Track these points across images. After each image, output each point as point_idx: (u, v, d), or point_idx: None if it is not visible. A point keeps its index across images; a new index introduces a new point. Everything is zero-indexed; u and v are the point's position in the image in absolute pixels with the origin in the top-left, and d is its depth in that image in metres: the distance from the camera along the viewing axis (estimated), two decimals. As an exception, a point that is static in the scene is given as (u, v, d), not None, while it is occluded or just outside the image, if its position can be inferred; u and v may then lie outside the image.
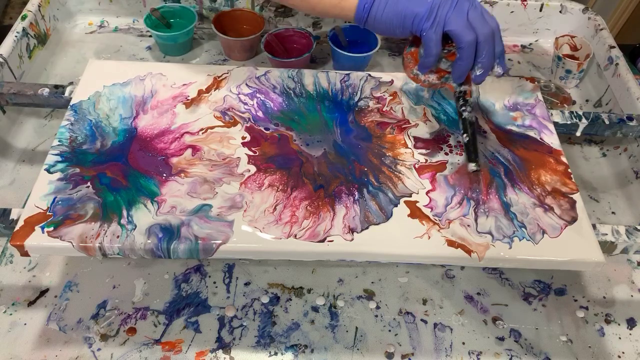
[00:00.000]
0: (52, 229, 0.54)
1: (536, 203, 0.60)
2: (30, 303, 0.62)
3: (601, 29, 0.92)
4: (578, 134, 0.74)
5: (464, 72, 0.59)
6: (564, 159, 0.65)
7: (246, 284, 0.65)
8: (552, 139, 0.68)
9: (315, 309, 0.64)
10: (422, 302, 0.65)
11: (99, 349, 0.59)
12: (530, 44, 0.99)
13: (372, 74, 0.74)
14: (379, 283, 0.66)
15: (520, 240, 0.57)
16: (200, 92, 0.70)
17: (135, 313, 0.62)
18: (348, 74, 0.74)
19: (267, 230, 0.56)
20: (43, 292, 0.63)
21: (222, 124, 0.67)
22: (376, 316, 0.63)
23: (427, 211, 0.59)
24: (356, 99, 0.71)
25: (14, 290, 0.63)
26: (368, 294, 0.65)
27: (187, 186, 0.59)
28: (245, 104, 0.69)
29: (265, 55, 0.87)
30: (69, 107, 0.67)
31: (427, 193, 0.61)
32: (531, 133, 0.68)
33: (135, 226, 0.55)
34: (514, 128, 0.69)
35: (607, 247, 0.61)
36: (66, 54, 0.91)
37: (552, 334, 0.63)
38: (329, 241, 0.56)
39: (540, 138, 0.68)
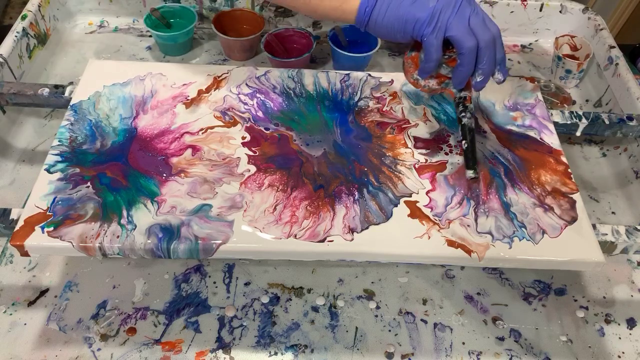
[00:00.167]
0: (52, 229, 0.54)
1: (536, 203, 0.60)
2: (30, 303, 0.62)
3: (601, 29, 0.92)
4: (578, 134, 0.74)
5: (465, 78, 0.59)
6: (564, 159, 0.65)
7: (246, 284, 0.65)
8: (552, 139, 0.68)
9: (315, 309, 0.64)
10: (422, 302, 0.65)
11: (99, 349, 0.59)
12: (530, 44, 0.99)
13: (372, 74, 0.74)
14: (379, 283, 0.66)
15: (520, 240, 0.57)
16: (200, 92, 0.70)
17: (135, 313, 0.62)
18: (348, 74, 0.74)
19: (267, 230, 0.56)
20: (43, 292, 0.63)
21: (222, 124, 0.67)
22: (376, 316, 0.63)
23: (427, 211, 0.59)
24: (356, 99, 0.71)
25: (14, 290, 0.63)
26: (368, 294, 0.65)
27: (187, 186, 0.59)
28: (245, 104, 0.69)
29: (265, 55, 0.87)
30: (69, 107, 0.67)
31: (427, 193, 0.61)
32: (531, 133, 0.68)
33: (135, 226, 0.55)
34: (514, 128, 0.69)
35: (607, 247, 0.61)
36: (66, 54, 0.91)
37: (552, 334, 0.63)
38: (329, 241, 0.56)
39: (540, 138, 0.68)
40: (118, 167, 0.61)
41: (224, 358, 0.59)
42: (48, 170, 0.60)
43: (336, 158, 0.64)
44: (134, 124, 0.66)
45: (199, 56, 0.92)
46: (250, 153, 0.63)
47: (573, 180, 0.63)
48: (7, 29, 0.83)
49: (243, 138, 0.65)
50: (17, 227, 0.55)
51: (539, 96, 0.73)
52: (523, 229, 0.58)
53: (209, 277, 0.65)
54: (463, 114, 0.61)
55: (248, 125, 0.67)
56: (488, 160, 0.65)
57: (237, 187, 0.60)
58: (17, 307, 0.62)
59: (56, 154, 0.61)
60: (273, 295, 0.64)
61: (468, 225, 0.58)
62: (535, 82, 0.75)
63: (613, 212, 0.76)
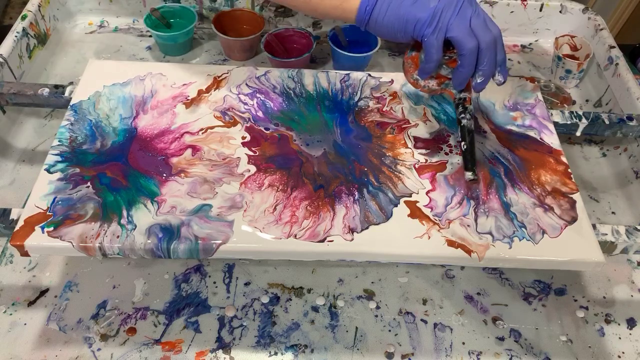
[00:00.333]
0: (52, 229, 0.54)
1: (536, 203, 0.60)
2: (30, 303, 0.62)
3: (601, 29, 0.92)
4: (578, 134, 0.74)
5: (465, 79, 0.58)
6: (564, 159, 0.65)
7: (246, 284, 0.65)
8: (552, 139, 0.68)
9: (315, 309, 0.64)
10: (422, 302, 0.65)
11: (99, 349, 0.59)
12: (530, 44, 0.99)
13: (372, 74, 0.74)
14: (379, 283, 0.66)
15: (520, 240, 0.57)
16: (200, 92, 0.70)
17: (135, 313, 0.62)
18: (348, 74, 0.74)
19: (267, 230, 0.56)
20: (43, 292, 0.63)
21: (222, 124, 0.67)
22: (376, 316, 0.63)
23: (427, 211, 0.59)
24: (356, 99, 0.71)
25: (14, 290, 0.63)
26: (368, 294, 0.65)
27: (187, 186, 0.59)
28: (245, 104, 0.69)
29: (265, 55, 0.87)
30: (69, 107, 0.67)
31: (427, 193, 0.61)
32: (531, 133, 0.68)
33: (135, 226, 0.55)
34: (514, 128, 0.69)
35: (607, 247, 0.61)
36: (66, 54, 0.91)
37: (552, 334, 0.63)
38: (329, 241, 0.56)
39: (540, 138, 0.68)
40: (118, 167, 0.61)
41: (224, 358, 0.59)
42: (48, 170, 0.60)
43: (336, 158, 0.64)
44: (134, 124, 0.66)
45: (199, 56, 0.92)
46: (250, 153, 0.63)
47: (573, 180, 0.63)
48: (7, 29, 0.83)
49: (243, 138, 0.65)
50: (17, 227, 0.55)
51: (539, 96, 0.73)
52: (523, 229, 0.58)
53: (209, 277, 0.65)
54: (462, 115, 0.61)
55: (248, 125, 0.67)
56: (488, 160, 0.65)
57: (237, 187, 0.60)
58: (17, 307, 0.62)
59: (56, 154, 0.61)
60: (273, 295, 0.64)
61: (468, 225, 0.58)
62: (535, 82, 0.75)
63: (613, 212, 0.76)
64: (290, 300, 0.64)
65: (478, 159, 0.64)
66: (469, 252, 0.56)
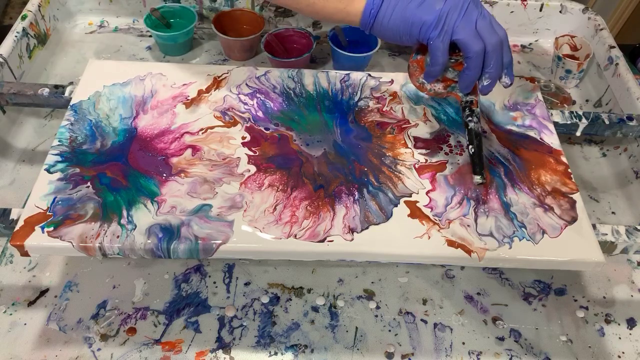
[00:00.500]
0: (52, 229, 0.54)
1: (536, 203, 0.60)
2: (30, 303, 0.62)
3: (601, 29, 0.92)
4: (578, 134, 0.74)
5: (471, 82, 0.58)
6: (564, 159, 0.65)
7: (246, 284, 0.65)
8: (552, 139, 0.68)
9: (315, 309, 0.64)
10: (422, 302, 0.65)
11: (99, 349, 0.59)
12: (530, 44, 0.99)
13: (372, 74, 0.74)
14: (379, 283, 0.66)
15: (520, 240, 0.57)
16: (200, 92, 0.70)
17: (135, 313, 0.62)
18: (348, 74, 0.74)
19: (267, 230, 0.56)
20: (43, 292, 0.63)
21: (222, 124, 0.67)
22: (376, 316, 0.63)
23: (427, 211, 0.59)
24: (356, 99, 0.71)
25: (14, 290, 0.63)
26: (368, 294, 0.65)
27: (187, 186, 0.59)
28: (245, 104, 0.69)
29: (265, 55, 0.87)
30: (69, 107, 0.67)
31: (427, 193, 0.61)
32: (531, 133, 0.68)
33: (135, 226, 0.55)
34: (514, 128, 0.69)
35: (607, 247, 0.61)
36: (66, 54, 0.91)
37: (552, 334, 0.63)
38: (329, 241, 0.56)
39: (540, 138, 0.68)
40: (118, 167, 0.61)
41: (224, 358, 0.59)
42: (48, 170, 0.60)
43: (336, 158, 0.64)
44: (134, 124, 0.66)
45: (199, 56, 0.92)
46: (250, 153, 0.63)
47: (573, 180, 0.63)
48: (7, 29, 0.83)
49: (243, 138, 0.65)
50: (17, 227, 0.55)
51: (539, 96, 0.73)
52: (523, 229, 0.58)
53: (209, 277, 0.65)
54: (470, 118, 0.60)
55: (248, 125, 0.67)
56: (488, 160, 0.65)
57: (237, 187, 0.60)
58: (17, 307, 0.62)
59: (56, 154, 0.61)
60: (273, 295, 0.64)
61: (468, 225, 0.58)
62: (535, 82, 0.75)
63: (613, 212, 0.76)
64: (290, 300, 0.64)
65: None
66: (469, 252, 0.56)
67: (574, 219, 0.59)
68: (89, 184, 0.59)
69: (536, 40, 1.00)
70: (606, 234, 0.61)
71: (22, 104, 0.74)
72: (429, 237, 0.57)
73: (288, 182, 0.61)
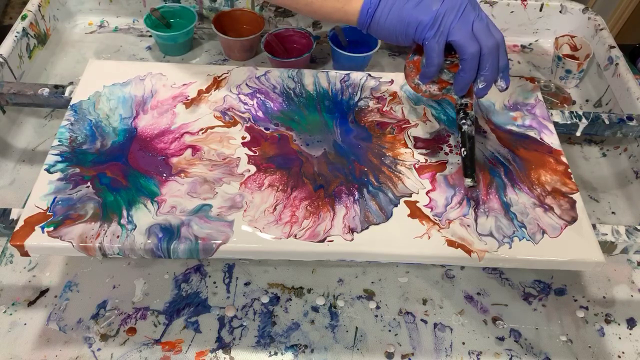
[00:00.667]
0: (52, 229, 0.54)
1: (536, 203, 0.60)
2: (30, 303, 0.62)
3: (601, 29, 0.92)
4: (578, 134, 0.74)
5: (466, 84, 0.58)
6: (564, 159, 0.65)
7: (246, 284, 0.65)
8: (552, 139, 0.68)
9: (315, 309, 0.64)
10: (422, 302, 0.65)
11: (99, 349, 0.59)
12: (530, 44, 0.99)
13: (372, 74, 0.74)
14: (379, 283, 0.66)
15: (520, 240, 0.57)
16: (200, 92, 0.70)
17: (135, 313, 0.62)
18: (348, 74, 0.74)
19: (267, 230, 0.56)
20: (43, 292, 0.63)
21: (222, 124, 0.67)
22: (376, 316, 0.63)
23: (427, 211, 0.59)
24: (356, 99, 0.71)
25: (14, 290, 0.63)
26: (368, 294, 0.65)
27: (187, 186, 0.59)
28: (245, 104, 0.69)
29: (265, 55, 0.87)
30: (69, 107, 0.67)
31: (427, 193, 0.61)
32: (531, 133, 0.68)
33: (135, 226, 0.55)
34: (514, 128, 0.69)
35: (607, 247, 0.61)
36: (66, 54, 0.91)
37: (552, 334, 0.63)
38: (329, 241, 0.56)
39: (540, 138, 0.68)
40: (118, 167, 0.61)
41: (224, 358, 0.59)
42: (48, 170, 0.60)
43: (336, 158, 0.64)
44: (134, 124, 0.66)
45: (199, 56, 0.92)
46: (250, 153, 0.63)
47: (573, 180, 0.63)
48: (7, 29, 0.83)
49: (243, 138, 0.65)
50: (17, 227, 0.55)
51: (539, 96, 0.73)
52: (523, 229, 0.58)
53: (209, 277, 0.65)
54: (463, 121, 0.60)
55: (248, 125, 0.67)
56: (488, 160, 0.65)
57: (237, 187, 0.60)
58: (17, 307, 0.62)
59: (56, 154, 0.61)
60: (273, 295, 0.64)
61: (468, 225, 0.58)
62: (535, 82, 0.75)
63: (613, 212, 0.76)
64: (290, 300, 0.64)
65: (478, 159, 0.64)
66: (469, 252, 0.56)
67: (574, 219, 0.59)
68: (89, 184, 0.59)
69: (536, 40, 1.00)
70: (606, 234, 0.61)
71: (22, 104, 0.74)
72: (429, 237, 0.57)
73: (288, 182, 0.61)
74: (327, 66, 0.92)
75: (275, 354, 0.60)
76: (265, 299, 0.64)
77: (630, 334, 0.64)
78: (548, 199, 0.61)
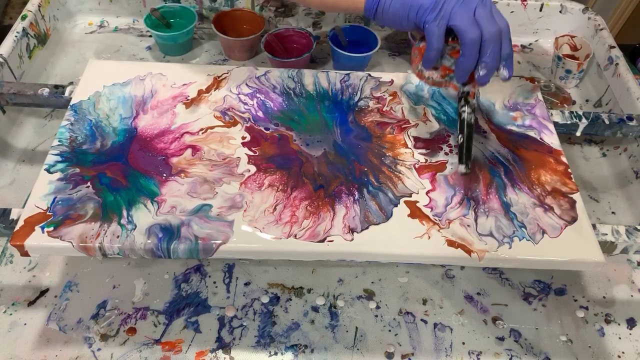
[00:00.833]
0: (52, 229, 0.54)
1: (536, 203, 0.60)
2: (30, 303, 0.62)
3: (601, 29, 0.92)
4: (578, 134, 0.74)
5: (467, 70, 0.58)
6: (564, 159, 0.65)
7: (246, 284, 0.65)
8: (552, 139, 0.68)
9: (315, 309, 0.64)
10: (422, 302, 0.65)
11: (99, 349, 0.59)
12: (530, 44, 0.99)
13: (372, 74, 0.74)
14: (379, 283, 0.66)
15: (520, 240, 0.57)
16: (200, 92, 0.70)
17: (135, 313, 0.62)
18: (348, 74, 0.74)
19: (267, 230, 0.56)
20: (43, 292, 0.63)
21: (222, 124, 0.67)
22: (376, 316, 0.63)
23: (427, 211, 0.59)
24: (356, 99, 0.71)
25: (14, 290, 0.63)
26: (368, 294, 0.65)
27: (187, 186, 0.59)
28: (245, 104, 0.69)
29: (265, 55, 0.87)
30: (69, 107, 0.67)
31: (427, 193, 0.61)
32: (531, 133, 0.68)
33: (135, 226, 0.55)
34: (514, 128, 0.69)
35: (607, 247, 0.61)
36: (66, 54, 0.91)
37: (552, 334, 0.63)
38: (329, 241, 0.56)
39: (540, 138, 0.68)
40: (118, 167, 0.61)
41: (224, 358, 0.59)
42: (48, 170, 0.60)
43: (336, 158, 0.64)
44: (134, 124, 0.66)
45: (199, 56, 0.92)
46: (250, 153, 0.63)
47: (573, 180, 0.63)
48: (7, 29, 0.83)
49: (243, 138, 0.65)
50: (17, 227, 0.55)
51: (539, 96, 0.73)
52: (523, 229, 0.58)
53: (209, 277, 0.65)
54: (463, 108, 0.61)
55: (248, 125, 0.67)
56: (488, 160, 0.65)
57: (237, 187, 0.60)
58: (17, 307, 0.62)
59: (56, 154, 0.61)
60: (273, 295, 0.64)
61: (468, 225, 0.58)
62: (535, 82, 0.75)
63: (613, 212, 0.76)
64: (290, 300, 0.64)
65: (478, 159, 0.64)
66: (469, 252, 0.56)
67: (574, 219, 0.59)
68: (89, 184, 0.59)
69: (536, 40, 1.00)
70: (606, 234, 0.61)
71: (22, 104, 0.74)
72: (429, 237, 0.57)
73: (288, 182, 0.61)
74: (327, 66, 0.92)
75: (275, 354, 0.60)
76: (265, 299, 0.64)
77: (630, 334, 0.64)
78: (548, 199, 0.61)
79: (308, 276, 0.66)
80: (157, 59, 0.91)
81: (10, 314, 0.61)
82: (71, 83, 0.74)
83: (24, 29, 0.83)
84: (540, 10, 0.96)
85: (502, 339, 0.62)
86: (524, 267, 0.60)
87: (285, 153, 0.64)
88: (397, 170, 0.63)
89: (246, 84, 0.72)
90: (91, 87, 0.69)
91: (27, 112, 0.81)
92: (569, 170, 0.64)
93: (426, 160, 0.64)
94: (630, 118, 0.73)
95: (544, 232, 0.58)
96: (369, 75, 0.74)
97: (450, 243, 0.56)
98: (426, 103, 0.71)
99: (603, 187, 0.79)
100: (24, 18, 0.84)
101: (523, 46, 0.99)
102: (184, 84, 0.71)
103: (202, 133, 0.65)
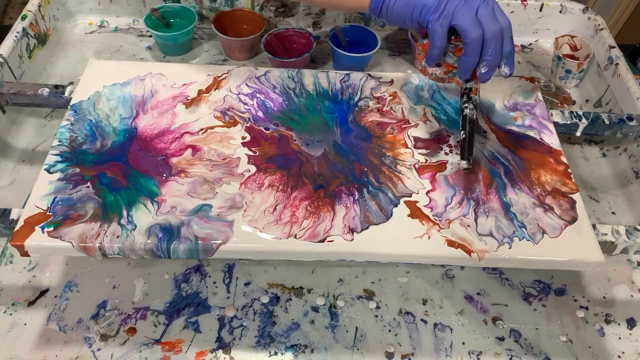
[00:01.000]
0: (52, 229, 0.54)
1: (536, 203, 0.60)
2: (30, 303, 0.62)
3: (601, 29, 0.92)
4: (578, 134, 0.74)
5: (469, 68, 0.59)
6: (564, 159, 0.65)
7: (246, 284, 0.65)
8: (552, 139, 0.68)
9: (315, 309, 0.64)
10: (422, 302, 0.65)
11: (99, 349, 0.59)
12: (530, 44, 0.99)
13: (372, 74, 0.74)
14: (379, 283, 0.66)
15: (520, 240, 0.57)
16: (200, 92, 0.70)
17: (135, 313, 0.62)
18: (348, 74, 0.74)
19: (267, 230, 0.56)
20: (43, 292, 0.63)
21: (222, 124, 0.67)
22: (376, 316, 0.63)
23: (427, 211, 0.59)
24: (356, 99, 0.71)
25: (14, 290, 0.63)
26: (368, 294, 0.65)
27: (187, 186, 0.59)
28: (245, 104, 0.69)
29: (265, 55, 0.87)
30: (69, 107, 0.67)
31: (427, 193, 0.61)
32: (531, 133, 0.68)
33: (135, 226, 0.55)
34: (514, 128, 0.69)
35: (607, 247, 0.61)
36: (66, 54, 0.91)
37: (552, 334, 0.63)
38: (329, 241, 0.56)
39: (540, 138, 0.68)
40: (118, 167, 0.61)
41: (224, 358, 0.59)
42: (48, 170, 0.60)
43: (336, 158, 0.64)
44: (134, 124, 0.66)
45: (199, 56, 0.92)
46: (250, 153, 0.63)
47: (573, 180, 0.63)
48: (7, 29, 0.83)
49: (243, 138, 0.65)
50: (17, 227, 0.55)
51: (539, 96, 0.73)
52: (523, 229, 0.58)
53: (209, 277, 0.65)
54: (466, 104, 0.61)
55: (248, 125, 0.67)
56: (488, 160, 0.65)
57: (237, 187, 0.60)
58: (17, 307, 0.62)
59: (56, 154, 0.61)
60: (273, 295, 0.64)
61: (468, 225, 0.58)
62: (535, 82, 0.75)
63: (613, 212, 0.76)
64: (290, 300, 0.64)
65: (478, 158, 0.64)
66: (469, 252, 0.56)
67: (574, 219, 0.59)
68: (89, 184, 0.59)
69: (536, 40, 1.00)
70: (606, 234, 0.61)
71: (22, 104, 0.74)
72: (429, 237, 0.57)
73: (288, 182, 0.61)
74: (327, 66, 0.92)
75: (275, 354, 0.60)
76: (265, 299, 0.64)
77: (630, 334, 0.64)
78: (548, 199, 0.61)
79: (308, 276, 0.66)
80: (157, 59, 0.91)
81: (10, 314, 0.61)
82: (71, 83, 0.74)
83: (24, 29, 0.83)
84: (540, 10, 0.96)
85: (502, 339, 0.62)
86: (524, 267, 0.60)
87: (285, 153, 0.64)
88: (397, 170, 0.63)
89: (246, 84, 0.72)
90: (91, 87, 0.69)
91: (27, 112, 0.81)
92: (569, 170, 0.64)
93: (426, 160, 0.64)
94: (630, 118, 0.73)
95: (544, 232, 0.58)
96: (369, 75, 0.74)
97: (450, 243, 0.56)
98: (426, 103, 0.71)
99: (603, 187, 0.79)
100: (24, 18, 0.84)
101: (523, 46, 0.99)
102: (184, 84, 0.71)
103: (202, 133, 0.65)
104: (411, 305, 0.65)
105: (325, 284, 0.66)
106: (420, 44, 0.63)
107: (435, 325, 0.63)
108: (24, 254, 0.54)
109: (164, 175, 0.60)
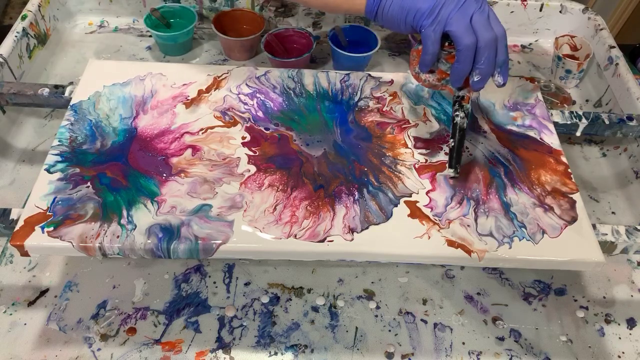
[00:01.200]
0: (52, 229, 0.54)
1: (536, 203, 0.60)
2: (30, 303, 0.62)
3: (601, 29, 0.92)
4: (578, 134, 0.74)
5: (461, 76, 0.58)
6: (564, 159, 0.65)
7: (246, 284, 0.65)
8: (552, 139, 0.68)
9: (315, 309, 0.64)
10: (422, 302, 0.65)
11: (99, 349, 0.59)
12: (530, 44, 0.99)
13: (372, 74, 0.74)
14: (379, 283, 0.66)
15: (520, 240, 0.57)
16: (200, 92, 0.70)
17: (135, 313, 0.62)
18: (348, 74, 0.74)
19: (267, 230, 0.56)
20: (43, 292, 0.63)
21: (222, 124, 0.67)
22: (376, 316, 0.63)
23: (427, 211, 0.59)
24: (356, 99, 0.71)
25: (14, 290, 0.63)
26: (368, 294, 0.65)
27: (187, 186, 0.59)
28: (245, 104, 0.69)
29: (265, 55, 0.87)
30: (69, 107, 0.67)
31: (427, 193, 0.61)
32: (531, 133, 0.68)
33: (135, 226, 0.55)
34: (514, 128, 0.69)
35: (607, 247, 0.61)
36: (66, 54, 0.91)
37: (552, 334, 0.63)
38: (329, 241, 0.56)
39: (540, 138, 0.68)
40: (118, 167, 0.61)
41: (224, 358, 0.59)
42: (48, 170, 0.60)
43: (336, 158, 0.64)
44: (134, 124, 0.66)
45: (199, 56, 0.92)
46: (250, 153, 0.63)
47: (573, 180, 0.63)
48: (7, 29, 0.83)
49: (243, 138, 0.65)
50: (17, 227, 0.55)
51: (539, 96, 0.73)
52: (523, 229, 0.58)
53: (209, 277, 0.65)
54: (457, 112, 0.61)
55: (248, 125, 0.67)
56: (488, 160, 0.65)
57: (237, 187, 0.60)
58: (17, 307, 0.62)
59: (56, 154, 0.61)
60: (273, 295, 0.64)
61: (468, 225, 0.58)
62: (535, 82, 0.75)
63: (613, 212, 0.76)
64: (290, 300, 0.64)
65: (478, 159, 0.64)
66: (469, 252, 0.56)
67: (574, 219, 0.59)
68: (89, 184, 0.59)
69: (536, 40, 1.00)
70: (606, 234, 0.61)
71: (22, 104, 0.74)
72: (429, 237, 0.57)
73: (288, 182, 0.61)
74: (327, 66, 0.92)
75: (275, 354, 0.60)
76: (265, 299, 0.64)
77: (630, 334, 0.64)
78: (548, 199, 0.61)
79: (308, 276, 0.66)
80: (157, 59, 0.91)
81: (10, 314, 0.61)
82: (71, 83, 0.74)
83: (24, 29, 0.83)
84: (540, 10, 0.96)
85: (502, 339, 0.62)
86: (524, 267, 0.60)
87: (285, 153, 0.64)
88: (397, 170, 0.63)
89: (246, 84, 0.72)
90: (91, 87, 0.69)
91: (27, 112, 0.81)
92: (569, 170, 0.64)
93: (426, 160, 0.64)
94: (630, 118, 0.73)
95: (544, 232, 0.58)
96: (369, 75, 0.74)
97: (450, 243, 0.56)
98: (426, 103, 0.71)
99: (603, 187, 0.79)
100: (24, 18, 0.84)
101: (523, 46, 0.99)
102: (184, 84, 0.71)
103: (202, 133, 0.65)
104: (411, 305, 0.65)
105: (325, 284, 0.66)
106: (414, 49, 0.62)
107: (435, 325, 0.63)
108: (24, 253, 0.54)
109: (164, 175, 0.60)
